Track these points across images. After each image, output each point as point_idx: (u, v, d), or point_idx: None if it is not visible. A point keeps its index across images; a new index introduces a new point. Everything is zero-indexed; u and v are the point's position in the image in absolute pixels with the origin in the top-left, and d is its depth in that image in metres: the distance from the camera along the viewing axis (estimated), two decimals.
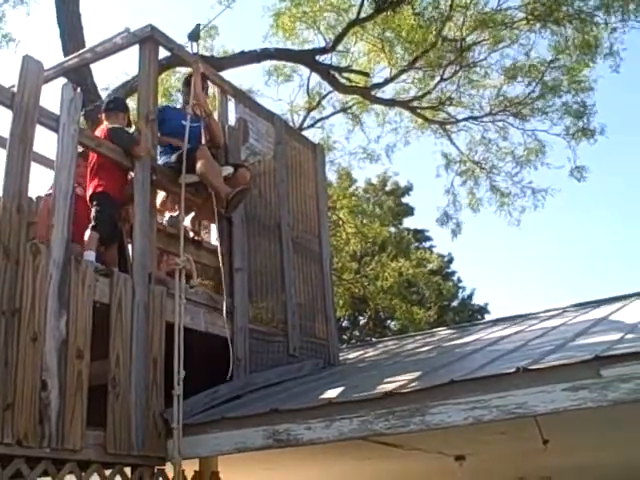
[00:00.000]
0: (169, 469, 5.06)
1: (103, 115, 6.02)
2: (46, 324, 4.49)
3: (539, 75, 15.10)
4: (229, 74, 10.18)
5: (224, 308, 5.78)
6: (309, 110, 16.68)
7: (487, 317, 25.07)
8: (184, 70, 7.27)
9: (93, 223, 5.57)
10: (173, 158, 5.97)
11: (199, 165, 5.83)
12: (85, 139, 5.31)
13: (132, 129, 6.02)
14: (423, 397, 4.04)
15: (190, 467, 5.23)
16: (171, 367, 5.09)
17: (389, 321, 25.37)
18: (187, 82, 6.61)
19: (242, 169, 6.31)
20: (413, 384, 4.34)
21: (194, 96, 6.28)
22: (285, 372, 6.41)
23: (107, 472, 4.72)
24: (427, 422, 3.99)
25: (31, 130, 4.74)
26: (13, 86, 4.80)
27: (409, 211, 27.86)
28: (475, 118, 16.03)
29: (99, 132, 5.85)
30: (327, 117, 17.36)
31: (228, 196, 5.86)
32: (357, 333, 25.67)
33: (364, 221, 20.16)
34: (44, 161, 6.27)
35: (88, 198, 5.76)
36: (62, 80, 6.51)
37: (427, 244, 27.63)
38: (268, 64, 15.70)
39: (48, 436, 4.32)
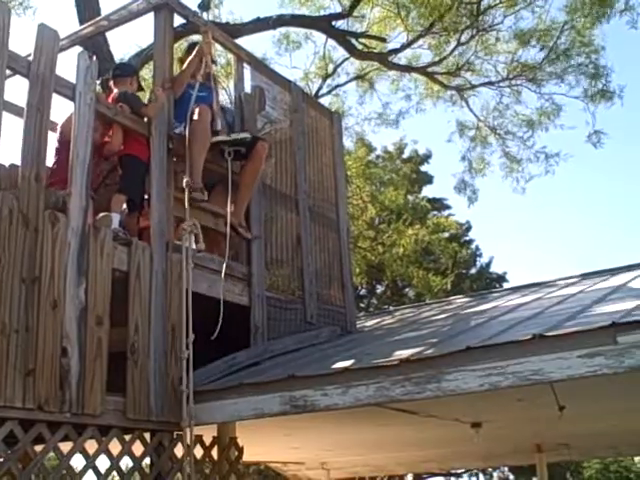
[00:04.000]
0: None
1: (112, 82, 6.02)
2: (66, 291, 4.54)
3: (553, 38, 14.95)
4: (240, 42, 10.09)
5: (223, 271, 5.71)
6: (325, 78, 16.59)
7: (505, 286, 24.99)
8: (197, 38, 7.22)
9: (119, 187, 5.61)
10: (182, 128, 5.92)
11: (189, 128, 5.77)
12: (102, 108, 5.30)
13: (144, 93, 6.01)
14: (439, 363, 4.05)
15: (208, 433, 5.30)
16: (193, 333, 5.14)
17: (406, 289, 25.37)
18: (190, 49, 6.56)
19: (260, 143, 6.26)
20: (429, 351, 4.35)
21: (199, 53, 6.19)
22: (302, 339, 6.44)
23: (127, 437, 4.80)
24: (443, 388, 4.00)
25: (48, 99, 4.75)
26: (29, 55, 4.81)
27: (428, 179, 27.70)
28: (492, 83, 15.89)
29: (110, 100, 5.85)
30: (342, 84, 17.29)
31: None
32: (375, 301, 25.69)
33: (381, 189, 20.08)
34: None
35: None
36: (78, 49, 6.51)
37: (445, 212, 27.46)
38: (279, 32, 15.61)
39: (69, 401, 4.39)
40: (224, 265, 5.75)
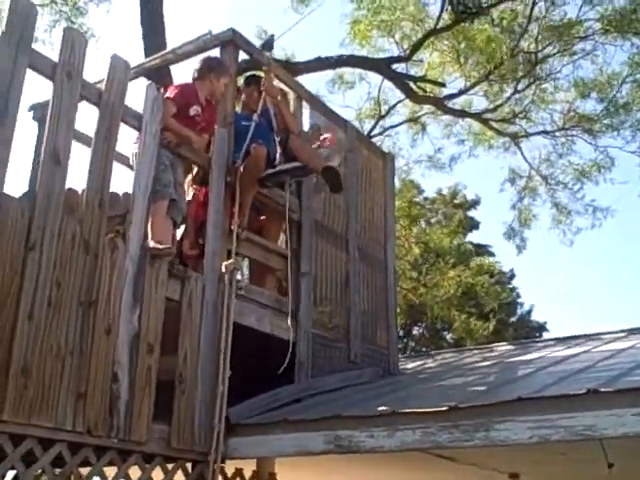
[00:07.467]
0: (229, 467, 5.14)
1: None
2: (120, 317, 4.60)
3: (612, 90, 14.88)
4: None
5: (289, 307, 5.74)
6: (378, 118, 16.68)
7: (545, 335, 24.67)
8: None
9: None
10: (239, 160, 5.97)
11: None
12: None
13: None
14: (489, 412, 4.00)
15: (249, 467, 5.30)
16: (238, 366, 5.16)
17: (445, 332, 25.15)
18: (247, 83, 6.66)
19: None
20: (478, 399, 4.32)
21: (266, 92, 6.28)
22: (345, 378, 6.43)
23: (169, 466, 4.82)
24: (492, 438, 3.96)
25: (115, 128, 4.85)
26: (96, 83, 4.94)
27: (474, 225, 27.57)
28: (547, 132, 15.79)
29: None
30: (395, 126, 17.36)
31: None
32: (412, 343, 25.50)
33: (427, 230, 20.06)
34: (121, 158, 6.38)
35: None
36: (141, 80, 6.65)
37: (490, 260, 27.21)
38: (333, 72, 15.81)
39: (116, 427, 4.43)
40: (289, 303, 5.90)
